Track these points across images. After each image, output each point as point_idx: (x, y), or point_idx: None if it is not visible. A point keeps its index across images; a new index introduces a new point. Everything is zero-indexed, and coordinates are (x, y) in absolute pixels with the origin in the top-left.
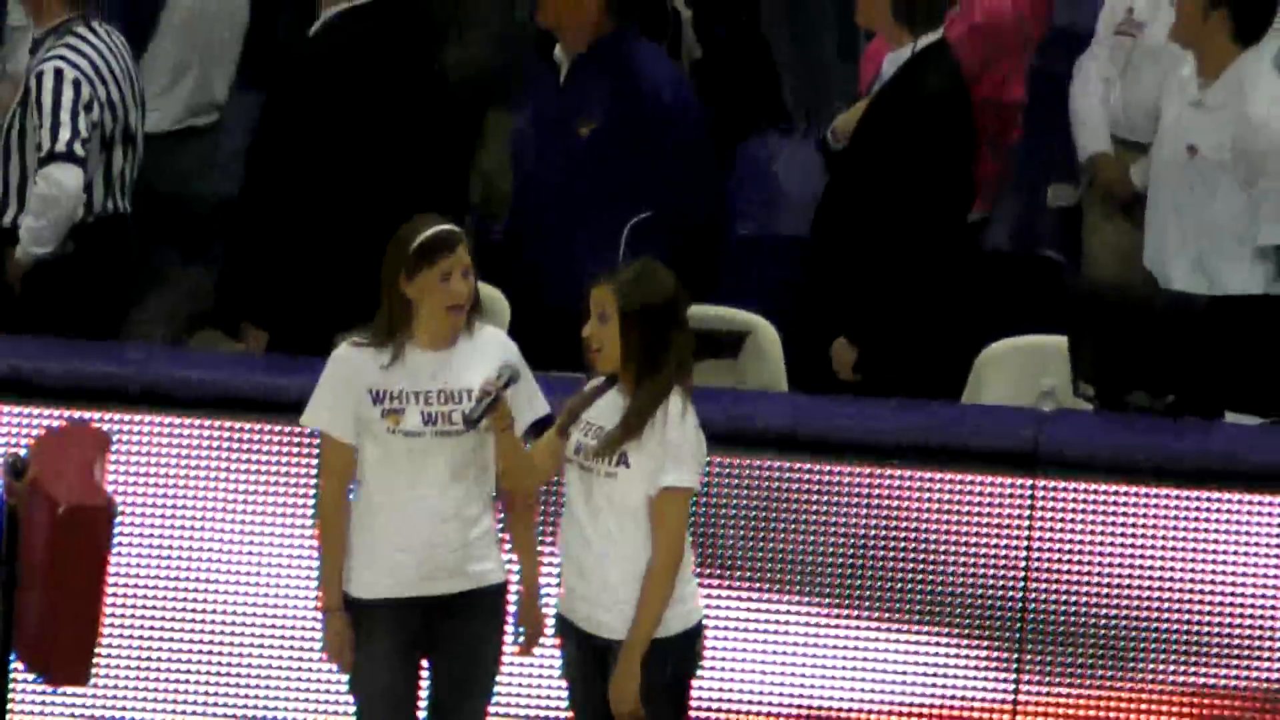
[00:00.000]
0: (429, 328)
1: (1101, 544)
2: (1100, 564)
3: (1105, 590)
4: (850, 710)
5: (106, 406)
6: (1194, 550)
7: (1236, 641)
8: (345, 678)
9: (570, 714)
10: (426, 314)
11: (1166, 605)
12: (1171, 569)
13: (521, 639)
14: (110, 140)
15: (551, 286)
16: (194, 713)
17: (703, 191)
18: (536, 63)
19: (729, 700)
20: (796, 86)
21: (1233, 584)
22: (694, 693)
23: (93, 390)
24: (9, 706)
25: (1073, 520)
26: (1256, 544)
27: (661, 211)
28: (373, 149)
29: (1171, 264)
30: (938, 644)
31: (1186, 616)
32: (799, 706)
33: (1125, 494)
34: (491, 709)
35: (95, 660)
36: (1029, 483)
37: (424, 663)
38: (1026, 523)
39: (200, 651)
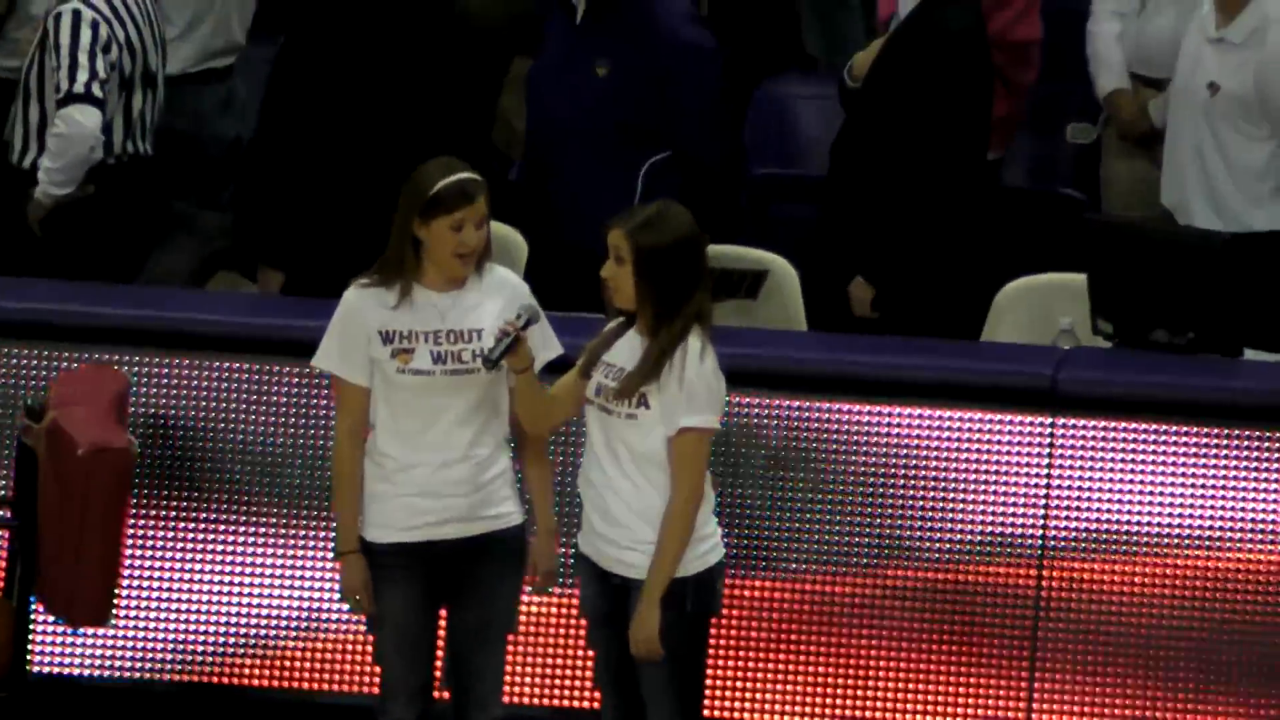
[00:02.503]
0: (437, 271)
1: (1121, 481)
2: (1120, 501)
3: (1124, 527)
4: (868, 650)
5: (125, 349)
6: (1214, 487)
7: (1257, 577)
8: (364, 622)
9: (590, 653)
10: (435, 259)
11: (1185, 542)
12: (1192, 506)
13: (537, 580)
14: (130, 82)
15: (568, 227)
16: (210, 656)
17: (719, 132)
18: (551, 4)
19: (745, 643)
20: (815, 25)
21: (1253, 520)
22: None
23: (111, 332)
24: (30, 648)
25: (1092, 458)
26: (1277, 480)
27: (678, 152)
28: (391, 92)
29: (1191, 202)
30: (956, 583)
31: (1206, 553)
32: (817, 646)
33: (1145, 431)
34: (511, 651)
35: (114, 601)
36: (1048, 420)
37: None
38: (1046, 460)
39: (217, 593)
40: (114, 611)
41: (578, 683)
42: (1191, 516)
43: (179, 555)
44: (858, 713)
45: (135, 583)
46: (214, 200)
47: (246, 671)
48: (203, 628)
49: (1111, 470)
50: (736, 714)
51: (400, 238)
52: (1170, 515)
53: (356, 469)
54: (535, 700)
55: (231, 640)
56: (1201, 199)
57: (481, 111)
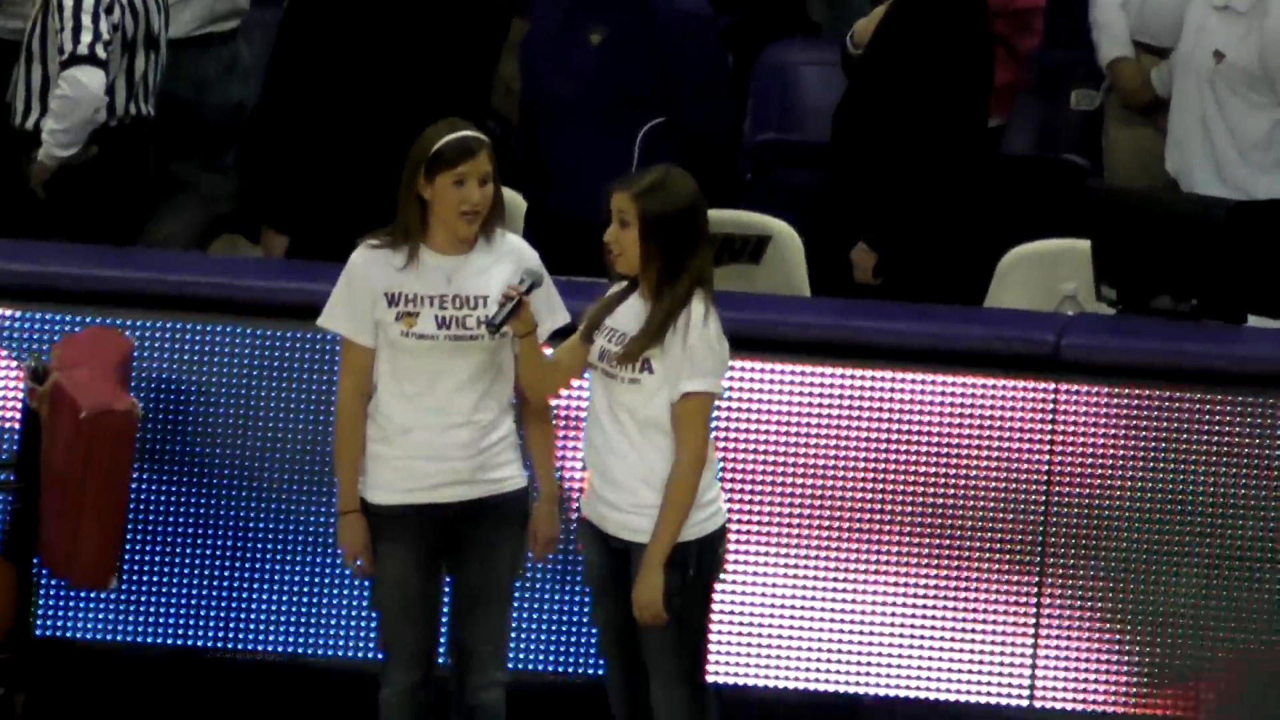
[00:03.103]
0: (444, 232)
1: (1124, 448)
2: (1123, 468)
3: (1128, 494)
4: (872, 616)
5: (128, 311)
6: (1218, 453)
7: (1262, 544)
8: (364, 582)
9: (593, 616)
10: (441, 218)
11: (1189, 509)
12: (1195, 472)
13: (538, 544)
14: (132, 43)
15: (564, 194)
16: (212, 621)
17: (715, 99)
18: None
19: (752, 607)
20: None
21: (1259, 486)
22: (718, 597)
23: (115, 295)
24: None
25: (1095, 424)
26: None
27: (673, 118)
28: (393, 55)
29: (1195, 169)
30: (960, 549)
31: (1211, 520)
32: (821, 615)
33: (1148, 397)
34: (513, 614)
35: (117, 564)
36: (1051, 387)
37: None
38: (1049, 427)
39: (219, 557)
40: (116, 574)
41: (581, 649)
42: (1195, 484)
43: (181, 519)
44: (859, 684)
45: (138, 546)
46: (216, 164)
47: (249, 636)
48: (205, 591)
49: (1115, 437)
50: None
51: (406, 199)
52: (1173, 482)
53: (358, 429)
54: (538, 666)
55: (234, 604)
56: (1205, 167)
57: (482, 75)
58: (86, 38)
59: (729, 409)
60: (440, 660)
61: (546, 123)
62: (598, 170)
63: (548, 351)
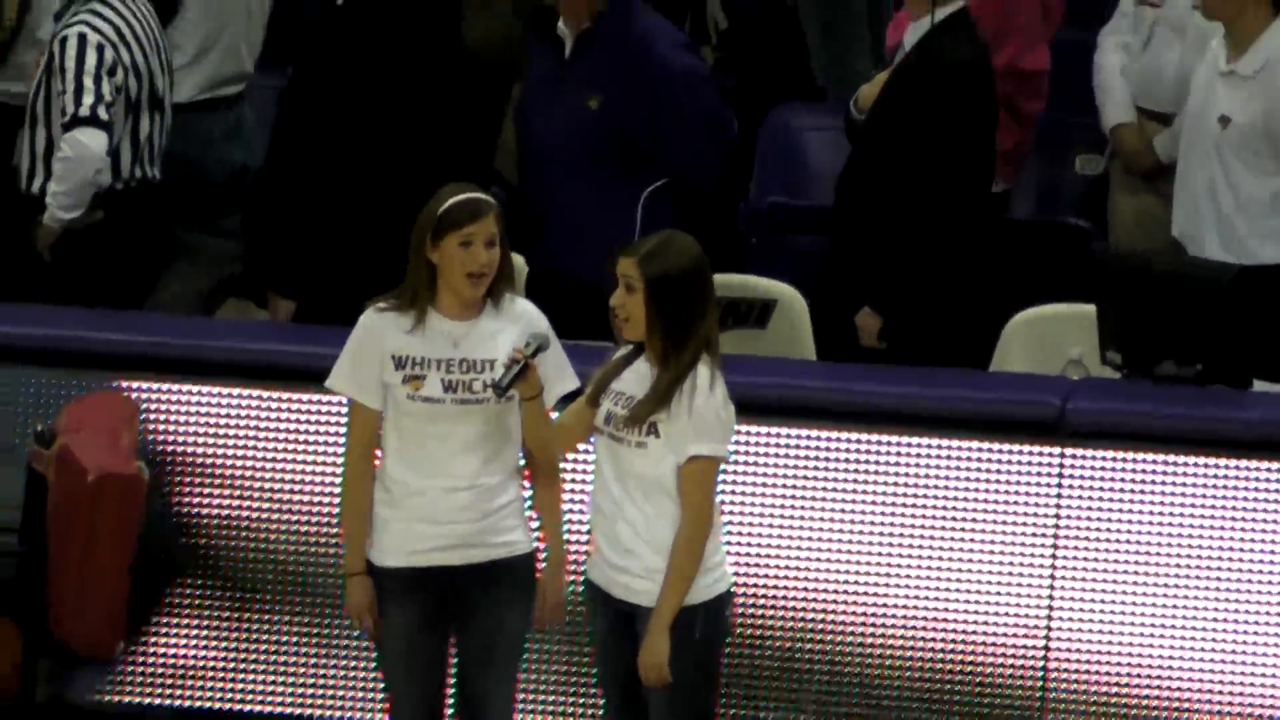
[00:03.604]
0: (452, 295)
1: (1130, 513)
2: (1129, 533)
3: (1134, 559)
4: (874, 677)
5: (135, 375)
6: (1223, 518)
7: (1268, 609)
8: (370, 643)
9: (598, 679)
10: (448, 280)
11: (1195, 574)
12: (1200, 538)
13: (546, 608)
14: (136, 105)
15: (563, 255)
16: (217, 682)
17: (715, 158)
18: (537, 36)
19: (755, 664)
20: (824, 56)
21: (1263, 552)
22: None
23: (121, 359)
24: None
25: (1101, 489)
26: None
27: (674, 179)
28: (399, 120)
29: (1202, 234)
30: (966, 612)
31: (1215, 584)
32: (823, 676)
33: (1153, 462)
34: (520, 678)
35: (123, 629)
36: (1056, 451)
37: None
38: (1055, 491)
39: (223, 618)
40: (120, 643)
41: (586, 712)
42: (1201, 548)
43: (186, 580)
44: None
45: (142, 610)
46: (218, 227)
47: (253, 696)
48: (209, 653)
49: (1120, 502)
50: None
51: (415, 262)
52: (1180, 546)
53: (364, 492)
54: None
55: (238, 665)
56: (1212, 231)
57: (487, 138)
58: (88, 99)
59: (734, 473)
60: None
61: (545, 183)
62: (600, 230)
63: (554, 415)
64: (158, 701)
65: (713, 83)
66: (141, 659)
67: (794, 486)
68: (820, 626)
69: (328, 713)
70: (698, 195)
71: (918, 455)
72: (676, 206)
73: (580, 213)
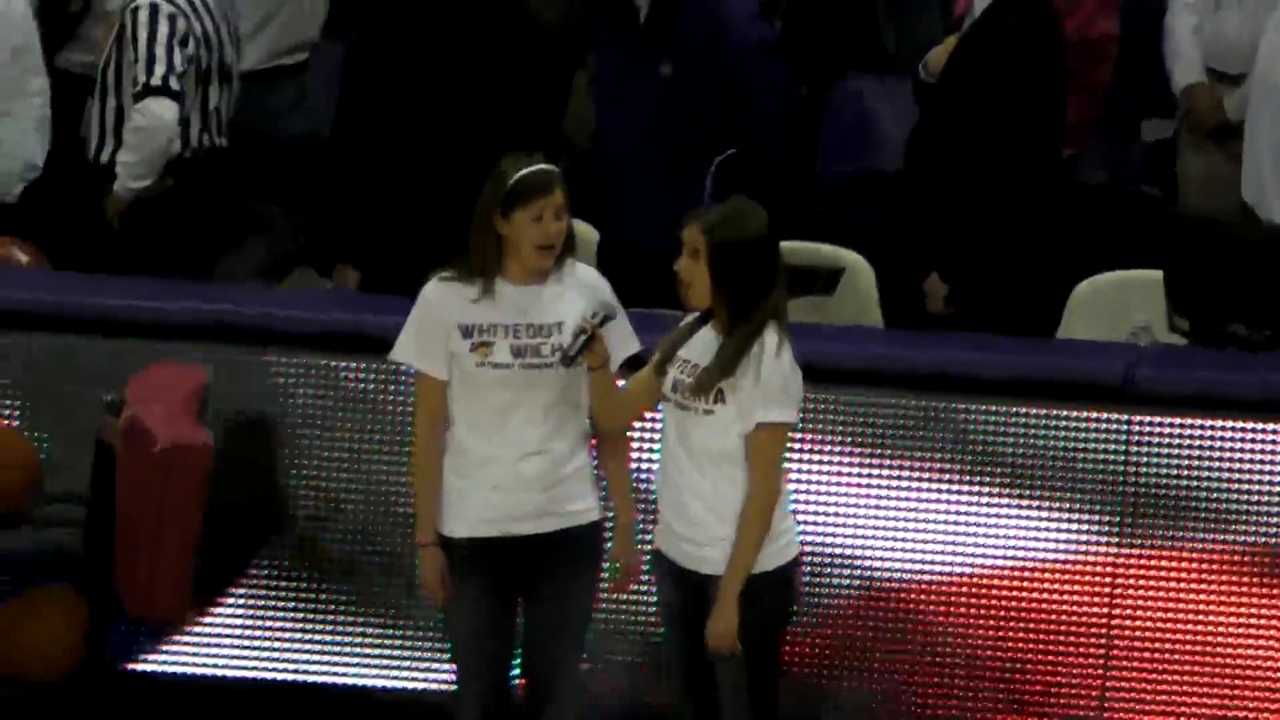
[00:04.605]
0: (519, 264)
1: (1197, 478)
2: (1196, 498)
3: (1201, 525)
4: (944, 645)
5: (203, 345)
6: None
7: None
8: (439, 614)
9: (667, 648)
10: (517, 251)
11: (1264, 539)
12: (1269, 503)
13: (616, 577)
14: (206, 75)
15: (637, 225)
16: (287, 652)
17: (787, 129)
18: (606, 10)
19: (823, 631)
20: (893, 23)
21: None
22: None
23: (190, 328)
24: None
25: (1168, 455)
26: None
27: (745, 149)
28: (464, 88)
29: (1271, 198)
30: (1034, 578)
31: None
32: (892, 651)
33: (1221, 428)
34: (587, 647)
35: (192, 598)
36: (1124, 417)
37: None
38: (1122, 458)
39: (294, 589)
40: (189, 612)
41: (654, 679)
42: (1270, 514)
43: (256, 551)
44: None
45: (213, 579)
46: (284, 196)
47: (322, 669)
48: (279, 624)
49: (1187, 467)
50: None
51: (482, 232)
52: (1248, 512)
53: (434, 462)
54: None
55: (309, 636)
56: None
57: (554, 104)
58: (160, 69)
59: (801, 440)
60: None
61: (619, 155)
62: (670, 200)
63: (621, 383)
64: (226, 673)
65: (784, 53)
66: (210, 628)
67: (861, 453)
68: (887, 593)
69: (396, 683)
70: (768, 166)
71: (984, 422)
72: (746, 176)
73: (652, 183)
